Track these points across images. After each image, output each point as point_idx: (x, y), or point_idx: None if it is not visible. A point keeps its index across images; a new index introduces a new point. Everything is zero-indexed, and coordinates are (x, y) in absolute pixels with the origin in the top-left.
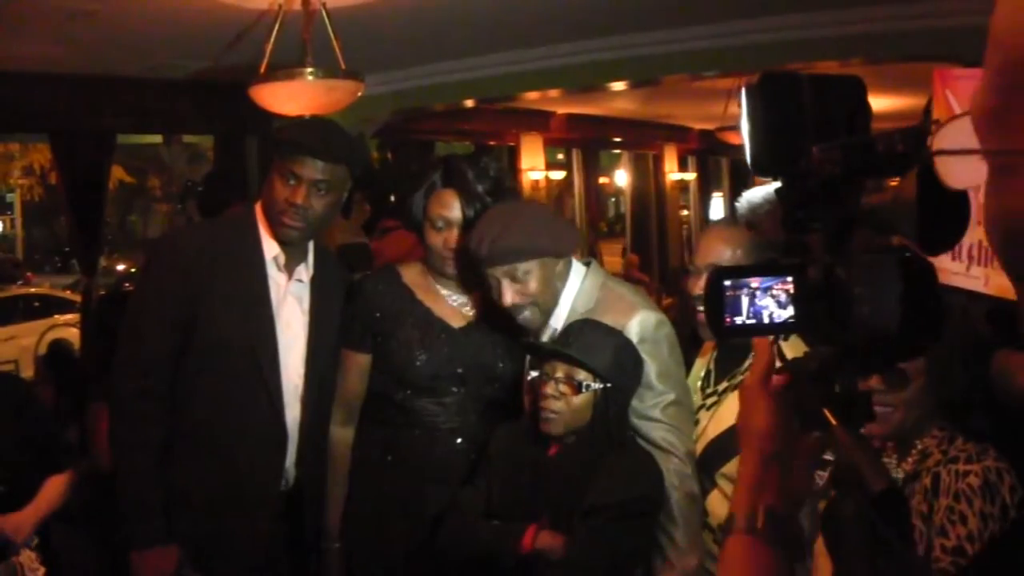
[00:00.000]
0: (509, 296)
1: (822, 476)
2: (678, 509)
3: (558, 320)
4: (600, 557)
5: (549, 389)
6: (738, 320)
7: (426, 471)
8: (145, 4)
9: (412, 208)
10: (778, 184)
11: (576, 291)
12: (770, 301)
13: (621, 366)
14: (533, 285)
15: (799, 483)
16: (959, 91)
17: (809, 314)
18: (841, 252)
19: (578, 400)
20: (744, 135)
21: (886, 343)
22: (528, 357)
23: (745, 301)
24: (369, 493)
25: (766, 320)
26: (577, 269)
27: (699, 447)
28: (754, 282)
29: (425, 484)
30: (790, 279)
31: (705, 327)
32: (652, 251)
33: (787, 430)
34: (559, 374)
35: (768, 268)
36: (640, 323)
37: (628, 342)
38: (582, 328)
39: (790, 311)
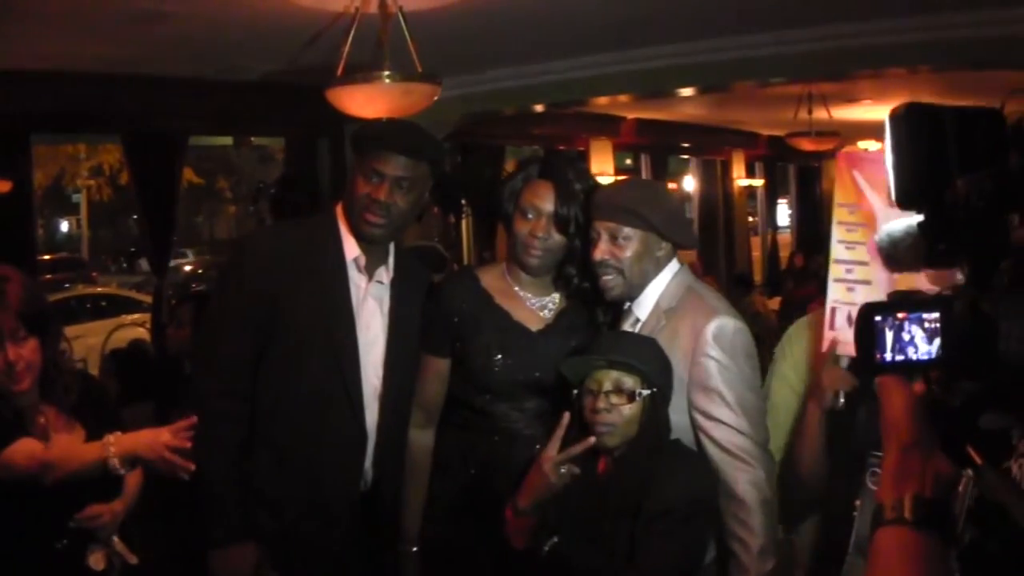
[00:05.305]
0: (601, 252)
1: None
2: (752, 514)
3: (643, 311)
4: (671, 560)
5: (601, 403)
6: (887, 356)
7: (506, 477)
8: (219, 6)
9: (504, 196)
10: (920, 217)
11: (663, 287)
12: (919, 336)
13: (664, 369)
14: (628, 252)
15: (944, 467)
16: (866, 172)
17: (954, 349)
18: (987, 286)
19: (630, 410)
20: (888, 167)
21: None
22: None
23: (892, 336)
24: (448, 497)
25: (913, 356)
26: (672, 266)
27: None
28: (902, 316)
29: (504, 490)
30: (936, 314)
31: None
32: (719, 257)
33: (925, 418)
34: (608, 386)
35: (916, 303)
36: (718, 326)
37: (657, 343)
38: (617, 337)
39: (937, 346)
